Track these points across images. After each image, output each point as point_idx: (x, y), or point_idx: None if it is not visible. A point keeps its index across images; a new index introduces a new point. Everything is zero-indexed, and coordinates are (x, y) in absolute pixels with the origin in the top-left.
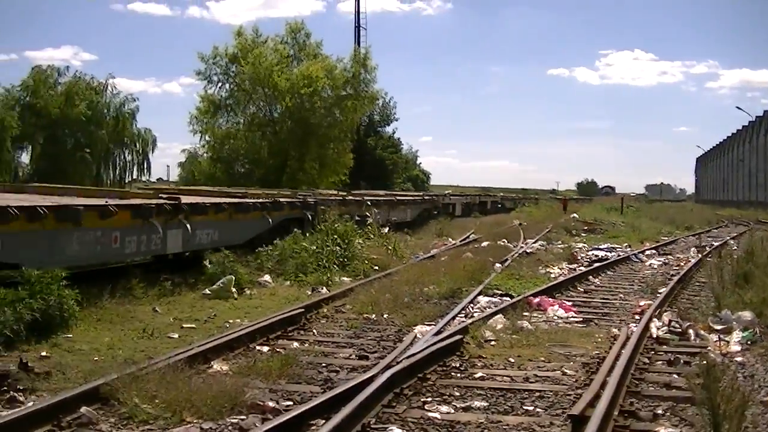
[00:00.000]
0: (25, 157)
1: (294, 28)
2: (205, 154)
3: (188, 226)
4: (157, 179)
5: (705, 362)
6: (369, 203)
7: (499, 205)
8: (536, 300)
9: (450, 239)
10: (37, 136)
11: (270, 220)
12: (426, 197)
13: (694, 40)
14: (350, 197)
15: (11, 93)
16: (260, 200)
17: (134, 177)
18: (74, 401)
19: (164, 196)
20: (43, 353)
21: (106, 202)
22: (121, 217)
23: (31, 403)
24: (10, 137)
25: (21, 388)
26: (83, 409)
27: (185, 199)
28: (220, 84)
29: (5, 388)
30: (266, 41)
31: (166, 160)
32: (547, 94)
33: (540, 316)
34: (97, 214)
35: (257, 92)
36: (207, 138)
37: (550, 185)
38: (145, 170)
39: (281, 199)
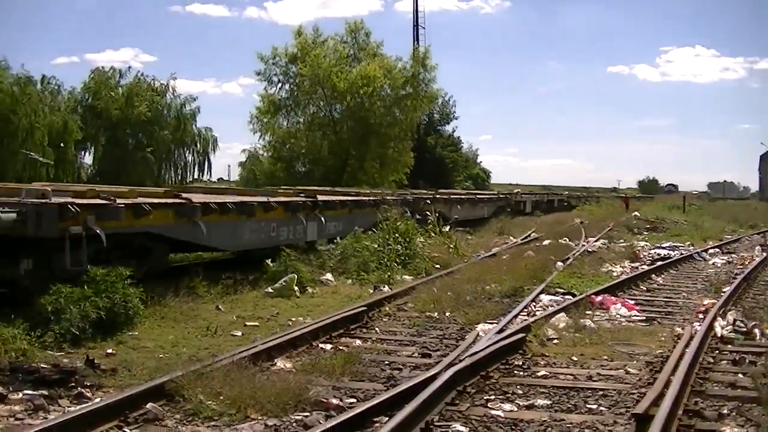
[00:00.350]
0: (87, 158)
1: (353, 28)
2: (265, 154)
3: (322, 219)
4: (218, 179)
5: None
6: (452, 200)
7: (566, 203)
8: (598, 298)
9: (511, 237)
10: (98, 137)
11: (379, 214)
12: (501, 196)
13: (757, 36)
14: (438, 195)
15: (73, 95)
16: (372, 197)
17: (195, 177)
18: (140, 397)
19: (303, 194)
20: (109, 350)
21: (268, 199)
22: (278, 211)
23: (98, 399)
24: (73, 140)
25: (88, 384)
26: (149, 406)
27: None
28: (280, 84)
29: (73, 384)
30: (326, 41)
31: (226, 160)
32: (607, 92)
33: (602, 314)
34: (262, 209)
35: (317, 92)
36: (267, 137)
37: (611, 183)
38: (206, 170)
39: (388, 197)
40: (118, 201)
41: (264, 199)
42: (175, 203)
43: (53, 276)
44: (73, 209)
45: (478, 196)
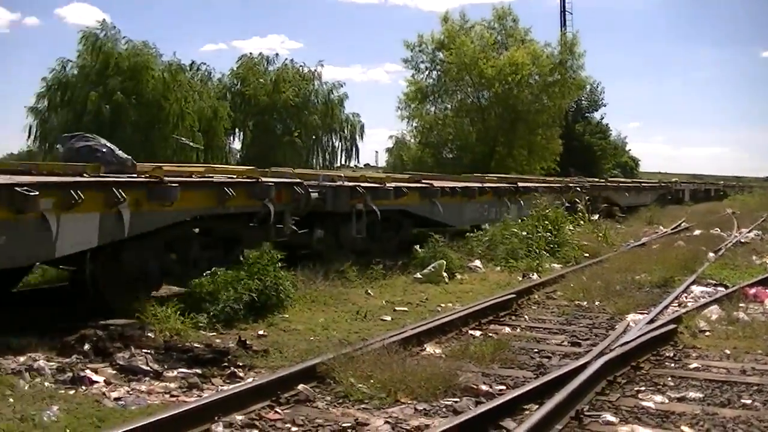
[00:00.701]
0: (236, 144)
1: (501, 14)
2: (413, 140)
3: (521, 202)
4: (365, 165)
5: None
6: (621, 188)
7: (721, 193)
8: (752, 291)
9: (661, 227)
10: (247, 122)
11: (564, 200)
12: (662, 184)
13: None
14: (609, 183)
15: (222, 82)
16: (559, 184)
17: (342, 162)
18: (292, 379)
19: (505, 181)
20: (260, 332)
21: (483, 184)
22: (489, 194)
23: (250, 379)
24: (223, 125)
25: (240, 364)
26: (300, 387)
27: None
28: (427, 71)
29: (225, 364)
30: (473, 27)
31: (373, 146)
32: (760, 78)
33: (757, 307)
34: (479, 192)
35: (464, 79)
36: (415, 124)
37: (764, 173)
38: (354, 156)
39: (570, 184)
40: (388, 185)
41: (480, 184)
42: (420, 187)
43: (338, 242)
44: (359, 190)
45: (642, 185)
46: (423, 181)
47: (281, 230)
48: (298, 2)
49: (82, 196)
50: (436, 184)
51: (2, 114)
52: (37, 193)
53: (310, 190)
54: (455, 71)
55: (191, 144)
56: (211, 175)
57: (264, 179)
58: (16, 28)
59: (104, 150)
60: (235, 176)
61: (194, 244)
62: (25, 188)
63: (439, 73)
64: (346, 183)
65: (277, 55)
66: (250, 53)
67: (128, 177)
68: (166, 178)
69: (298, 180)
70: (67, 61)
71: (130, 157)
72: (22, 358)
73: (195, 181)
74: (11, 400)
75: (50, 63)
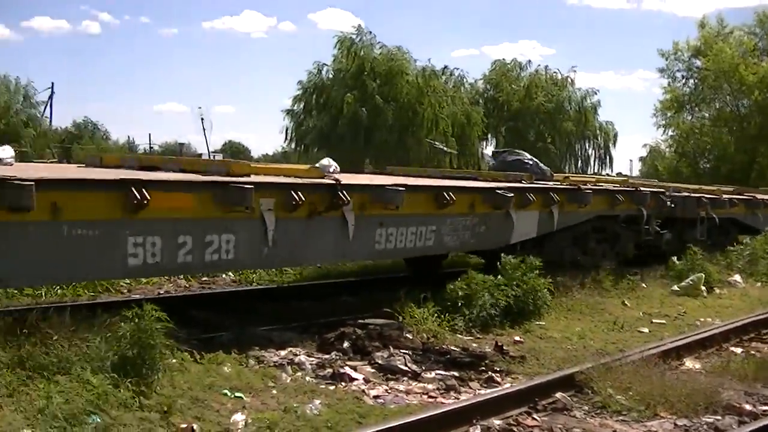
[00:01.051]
0: (488, 149)
1: (763, 18)
2: (668, 149)
3: None
4: (617, 173)
5: None
6: None
7: None
8: None
9: None
10: (499, 128)
11: None
12: None
13: None
14: None
15: (474, 87)
16: None
17: (595, 170)
18: (549, 386)
19: None
20: (517, 338)
21: None
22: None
23: (507, 385)
24: (477, 131)
25: (497, 369)
26: (558, 395)
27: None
28: (683, 80)
29: (482, 368)
30: (731, 32)
31: (625, 154)
32: None
33: None
34: (764, 206)
35: (722, 87)
36: (671, 132)
37: None
38: (606, 163)
39: None
40: (724, 196)
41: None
42: (746, 198)
43: (682, 243)
44: (704, 200)
45: None
46: (745, 193)
47: (648, 231)
48: (549, 8)
49: (534, 198)
50: (759, 196)
51: (258, 116)
52: (512, 195)
53: (667, 200)
54: (712, 79)
55: (446, 149)
56: (601, 183)
57: (641, 188)
58: (273, 33)
59: (530, 162)
60: (617, 185)
61: (591, 239)
62: (502, 191)
63: (695, 80)
64: (692, 194)
65: (529, 61)
66: (503, 59)
67: (554, 184)
68: (582, 186)
69: (662, 189)
70: (323, 65)
71: (549, 168)
72: (283, 353)
73: (598, 189)
74: (274, 391)
75: (306, 67)
